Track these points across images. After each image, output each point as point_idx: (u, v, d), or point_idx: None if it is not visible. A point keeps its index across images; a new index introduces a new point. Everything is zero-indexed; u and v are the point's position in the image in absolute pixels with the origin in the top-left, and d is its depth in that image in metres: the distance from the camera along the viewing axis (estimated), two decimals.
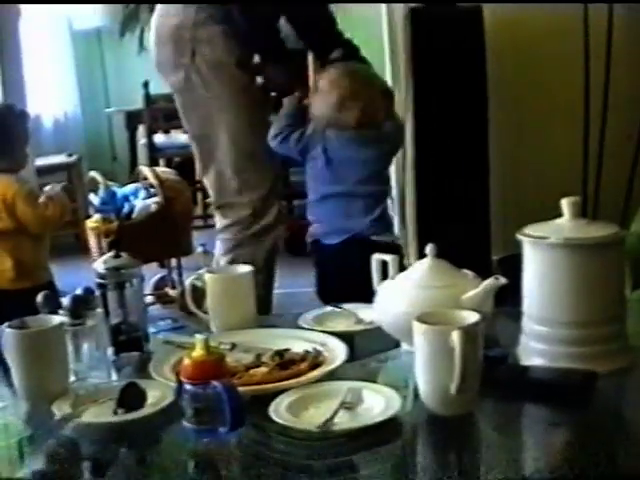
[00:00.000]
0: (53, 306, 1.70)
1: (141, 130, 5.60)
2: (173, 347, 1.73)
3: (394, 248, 2.46)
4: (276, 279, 3.16)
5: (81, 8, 6.14)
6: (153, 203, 3.66)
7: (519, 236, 1.57)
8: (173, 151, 5.42)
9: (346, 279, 2.33)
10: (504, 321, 1.70)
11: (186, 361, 1.40)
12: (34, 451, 1.42)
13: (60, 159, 5.54)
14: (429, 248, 1.68)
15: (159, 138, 5.40)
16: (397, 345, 1.71)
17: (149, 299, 3.78)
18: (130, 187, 3.78)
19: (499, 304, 1.60)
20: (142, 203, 3.67)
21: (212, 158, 2.95)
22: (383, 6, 4.01)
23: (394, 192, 3.64)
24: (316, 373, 1.55)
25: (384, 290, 1.72)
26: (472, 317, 1.42)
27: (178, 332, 1.92)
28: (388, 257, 1.76)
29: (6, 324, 1.56)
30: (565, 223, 1.58)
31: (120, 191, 3.73)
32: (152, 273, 3.92)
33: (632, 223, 2.40)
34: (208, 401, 1.35)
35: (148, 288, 3.83)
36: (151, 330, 1.85)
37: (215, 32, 2.80)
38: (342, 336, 1.71)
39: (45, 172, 4.75)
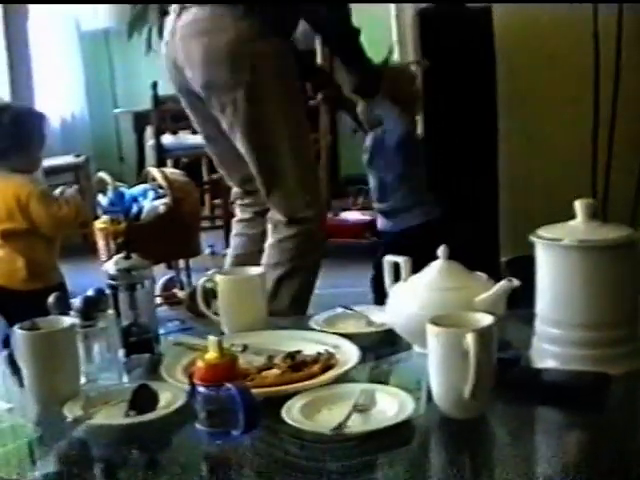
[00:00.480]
0: (64, 307, 1.71)
1: (149, 131, 5.58)
2: (184, 349, 1.73)
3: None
4: None
5: (89, 9, 6.15)
6: (161, 204, 3.65)
7: (532, 238, 1.57)
8: (181, 152, 5.41)
9: None
10: (516, 323, 1.69)
11: (199, 363, 1.39)
12: (45, 453, 1.41)
13: (67, 160, 5.49)
14: (441, 250, 1.68)
15: (167, 139, 5.37)
16: (408, 347, 1.71)
17: (157, 300, 3.77)
18: (138, 188, 3.77)
19: (509, 306, 1.59)
20: (150, 204, 3.66)
21: (275, 172, 2.79)
22: (392, 6, 4.01)
23: None
24: (329, 375, 1.55)
25: (396, 292, 1.72)
26: (486, 320, 1.41)
27: (187, 334, 1.92)
28: (400, 259, 1.76)
29: (17, 325, 1.56)
30: (578, 225, 1.57)
31: (128, 192, 3.72)
32: (160, 274, 3.91)
33: None
34: (221, 403, 1.35)
35: (156, 289, 3.82)
36: (160, 332, 1.84)
37: (275, 44, 2.70)
38: (353, 338, 1.71)
39: (52, 173, 4.73)
